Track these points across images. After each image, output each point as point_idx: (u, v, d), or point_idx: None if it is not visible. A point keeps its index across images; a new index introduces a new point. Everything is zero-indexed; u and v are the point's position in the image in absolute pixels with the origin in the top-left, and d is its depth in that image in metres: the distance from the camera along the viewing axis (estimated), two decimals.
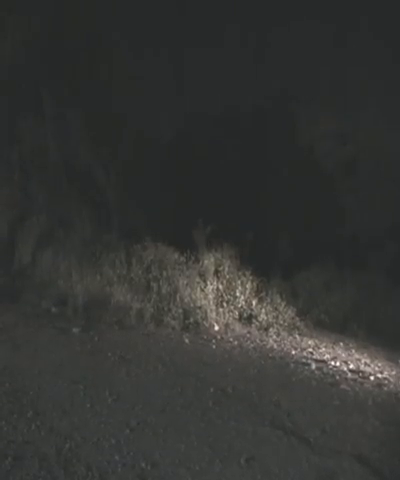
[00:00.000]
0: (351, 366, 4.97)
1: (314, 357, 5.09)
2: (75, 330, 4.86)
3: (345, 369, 4.87)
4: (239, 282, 6.07)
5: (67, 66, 7.23)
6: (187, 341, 5.05)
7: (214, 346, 5.04)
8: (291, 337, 5.61)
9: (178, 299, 5.55)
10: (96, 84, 7.46)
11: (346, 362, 5.06)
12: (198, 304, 5.56)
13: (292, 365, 4.80)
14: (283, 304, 5.98)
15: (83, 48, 7.43)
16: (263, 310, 5.83)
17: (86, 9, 7.35)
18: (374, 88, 7.90)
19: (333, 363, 4.98)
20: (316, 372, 4.69)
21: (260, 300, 6.00)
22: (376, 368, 5.04)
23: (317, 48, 8.07)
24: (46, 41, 7.22)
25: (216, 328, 5.46)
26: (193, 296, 5.63)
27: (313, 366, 4.80)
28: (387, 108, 7.92)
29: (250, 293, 6.02)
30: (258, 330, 5.65)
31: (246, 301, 5.93)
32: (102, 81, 7.56)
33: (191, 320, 5.39)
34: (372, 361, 5.23)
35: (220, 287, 6.00)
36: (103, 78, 7.58)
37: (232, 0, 8.21)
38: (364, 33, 8.12)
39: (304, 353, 5.17)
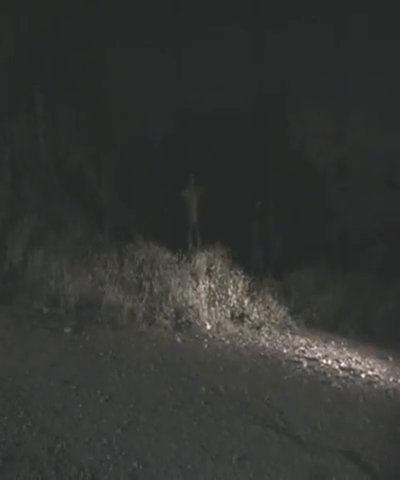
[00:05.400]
0: (342, 364, 5.00)
1: (306, 355, 5.11)
2: (67, 330, 4.84)
3: (336, 367, 4.90)
4: (231, 281, 6.08)
5: (59, 66, 7.21)
6: (179, 340, 5.05)
7: (206, 345, 5.04)
8: (283, 336, 5.63)
9: (170, 298, 5.55)
10: (88, 84, 7.45)
11: (337, 360, 5.08)
12: (190, 303, 5.57)
13: (284, 363, 4.81)
14: (275, 303, 6.00)
15: (75, 48, 7.41)
16: (255, 309, 5.85)
17: (78, 9, 7.34)
18: (367, 89, 7.94)
19: (325, 361, 5.00)
20: (308, 370, 4.71)
21: (252, 299, 6.01)
22: (367, 366, 5.08)
23: (312, 49, 8.10)
24: (38, 41, 7.20)
25: (208, 327, 5.47)
26: (185, 295, 5.64)
27: (305, 364, 4.82)
28: (379, 108, 7.97)
29: (242, 292, 6.04)
30: (250, 329, 5.66)
31: (238, 300, 5.95)
32: (94, 81, 7.55)
33: (183, 319, 5.40)
34: (363, 359, 5.26)
35: (212, 286, 6.01)
36: (96, 78, 7.57)
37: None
38: (359, 34, 8.16)
39: (296, 351, 5.19)
